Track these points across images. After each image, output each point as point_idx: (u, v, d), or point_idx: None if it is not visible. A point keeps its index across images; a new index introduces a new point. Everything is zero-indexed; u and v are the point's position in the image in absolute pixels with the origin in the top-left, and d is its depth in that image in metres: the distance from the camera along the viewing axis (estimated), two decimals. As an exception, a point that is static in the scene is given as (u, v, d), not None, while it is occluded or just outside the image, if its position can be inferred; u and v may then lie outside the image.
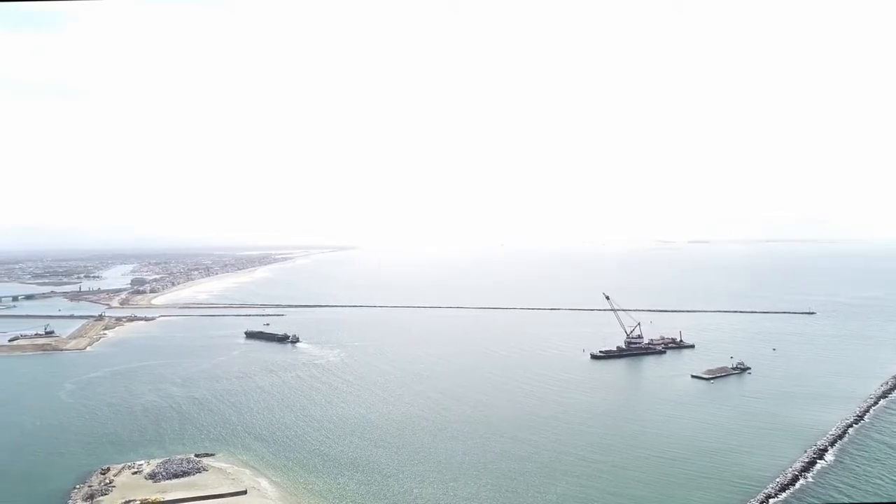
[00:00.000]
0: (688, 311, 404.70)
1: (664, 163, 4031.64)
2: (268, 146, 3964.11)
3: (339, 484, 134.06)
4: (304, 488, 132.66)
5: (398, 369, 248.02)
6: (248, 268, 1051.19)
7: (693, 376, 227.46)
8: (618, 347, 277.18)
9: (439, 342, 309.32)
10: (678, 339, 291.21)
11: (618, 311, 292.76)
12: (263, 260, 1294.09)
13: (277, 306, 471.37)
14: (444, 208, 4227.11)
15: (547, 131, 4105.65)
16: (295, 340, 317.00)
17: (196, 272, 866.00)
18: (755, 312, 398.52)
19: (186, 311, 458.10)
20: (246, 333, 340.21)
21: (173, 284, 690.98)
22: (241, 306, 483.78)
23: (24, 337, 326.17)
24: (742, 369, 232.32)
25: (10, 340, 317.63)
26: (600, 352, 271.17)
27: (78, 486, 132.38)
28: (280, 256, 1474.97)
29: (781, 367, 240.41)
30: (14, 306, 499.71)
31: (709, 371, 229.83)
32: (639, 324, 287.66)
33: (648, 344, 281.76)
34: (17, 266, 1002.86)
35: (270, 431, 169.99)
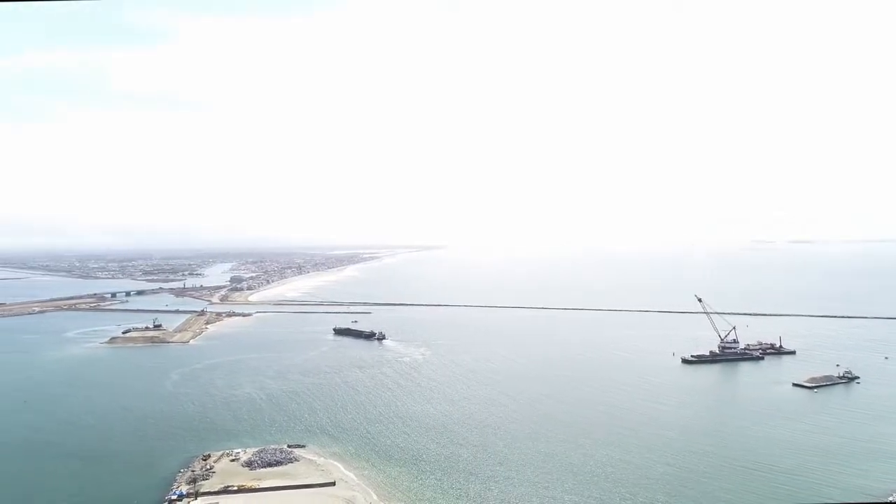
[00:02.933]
0: (788, 315, 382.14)
1: (762, 158, 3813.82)
2: (359, 149, 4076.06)
3: (422, 480, 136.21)
4: (390, 482, 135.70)
5: (481, 369, 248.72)
6: (337, 266, 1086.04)
7: (794, 384, 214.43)
8: (711, 352, 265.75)
9: (523, 343, 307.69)
10: (777, 345, 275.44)
11: (711, 314, 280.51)
12: (352, 259, 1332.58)
13: (365, 304, 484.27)
14: (530, 209, 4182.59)
15: (637, 129, 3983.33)
16: (381, 338, 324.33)
17: (289, 270, 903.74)
18: (865, 318, 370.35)
19: (280, 308, 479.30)
20: (334, 330, 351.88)
21: (268, 282, 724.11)
22: (331, 304, 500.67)
23: (136, 330, 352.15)
24: (850, 378, 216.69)
25: (123, 332, 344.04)
26: (692, 356, 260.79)
27: (182, 471, 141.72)
28: (368, 255, 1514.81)
29: (894, 378, 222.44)
30: (127, 301, 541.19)
31: (812, 379, 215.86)
32: (734, 327, 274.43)
33: (745, 349, 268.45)
34: (130, 264, 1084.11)
35: (358, 426, 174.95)
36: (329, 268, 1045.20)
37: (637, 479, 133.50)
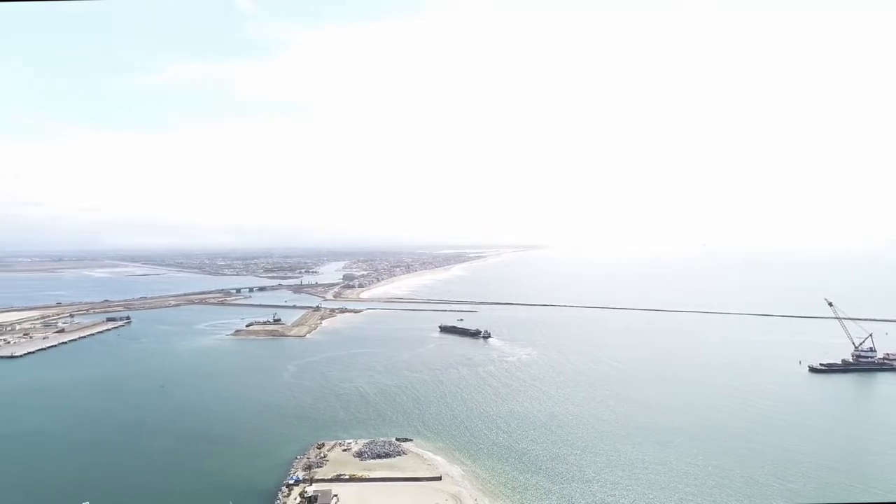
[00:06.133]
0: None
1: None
2: (466, 150, 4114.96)
3: (525, 479, 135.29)
4: (493, 480, 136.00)
5: (587, 371, 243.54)
6: (443, 266, 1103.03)
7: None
8: (843, 361, 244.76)
9: (633, 345, 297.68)
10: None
11: (843, 320, 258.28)
12: (458, 258, 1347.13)
13: (471, 302, 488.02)
14: (641, 207, 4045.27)
15: (765, 125, 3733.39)
16: (487, 336, 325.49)
17: (398, 269, 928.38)
18: None
19: (389, 305, 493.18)
20: (440, 327, 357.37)
21: (378, 280, 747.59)
22: (438, 301, 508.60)
23: (258, 323, 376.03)
24: None
25: (246, 326, 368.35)
26: (821, 365, 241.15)
27: (298, 457, 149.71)
28: (474, 255, 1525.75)
29: None
30: (250, 297, 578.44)
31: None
32: (870, 335, 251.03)
33: (883, 358, 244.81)
34: (253, 262, 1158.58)
35: (462, 422, 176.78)
36: (436, 267, 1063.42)
37: (753, 497, 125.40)
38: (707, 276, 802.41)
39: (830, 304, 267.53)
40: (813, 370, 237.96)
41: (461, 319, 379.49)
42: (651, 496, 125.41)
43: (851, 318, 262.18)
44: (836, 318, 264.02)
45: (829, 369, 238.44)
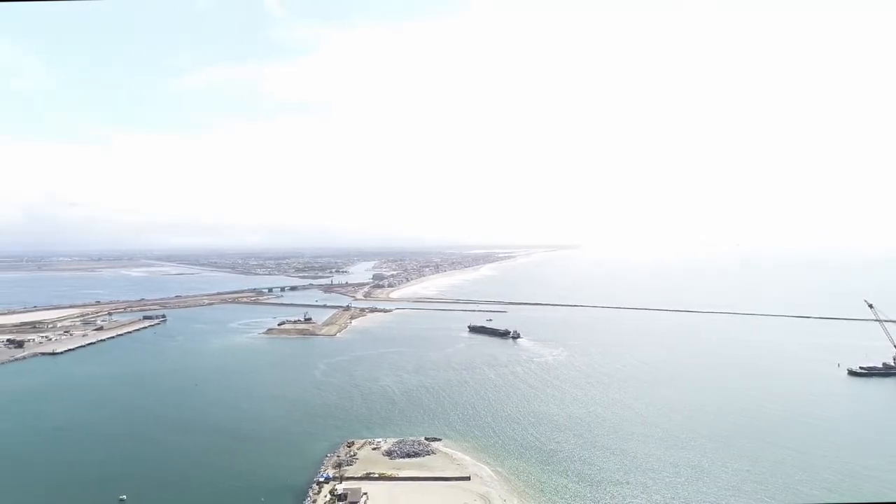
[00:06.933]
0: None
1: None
2: (496, 150, 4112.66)
3: (554, 481, 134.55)
4: (522, 481, 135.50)
5: (616, 373, 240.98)
6: (473, 266, 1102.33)
7: None
8: (884, 364, 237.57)
9: (665, 346, 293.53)
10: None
11: (884, 322, 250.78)
12: (487, 258, 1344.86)
13: (500, 303, 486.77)
14: (673, 208, 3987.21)
15: (807, 116, 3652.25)
16: (516, 336, 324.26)
17: (427, 269, 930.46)
18: None
19: (418, 305, 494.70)
20: (469, 327, 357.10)
21: (407, 280, 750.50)
22: (467, 301, 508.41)
23: (289, 322, 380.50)
24: None
25: (278, 325, 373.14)
26: (861, 368, 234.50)
27: (329, 455, 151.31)
28: (503, 255, 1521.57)
29: None
30: (282, 296, 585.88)
31: None
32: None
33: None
34: (285, 262, 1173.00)
35: (491, 423, 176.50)
36: (465, 266, 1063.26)
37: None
38: (740, 277, 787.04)
39: (871, 306, 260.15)
40: (852, 373, 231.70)
41: (490, 320, 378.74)
42: (683, 501, 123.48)
43: (893, 321, 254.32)
44: (876, 320, 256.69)
45: (870, 373, 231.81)
